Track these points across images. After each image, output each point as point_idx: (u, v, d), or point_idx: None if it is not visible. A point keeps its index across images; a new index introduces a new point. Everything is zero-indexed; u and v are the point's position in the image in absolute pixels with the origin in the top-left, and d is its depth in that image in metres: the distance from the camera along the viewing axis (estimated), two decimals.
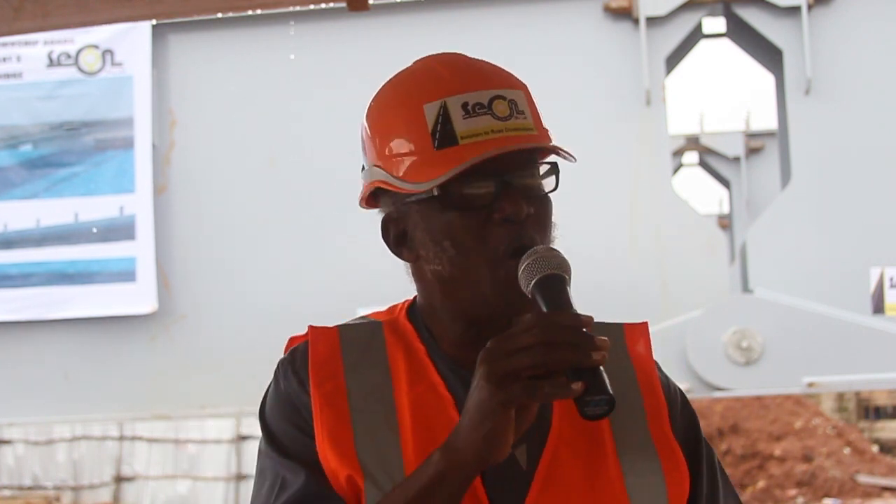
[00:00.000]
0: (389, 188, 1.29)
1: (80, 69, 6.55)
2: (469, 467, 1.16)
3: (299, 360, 1.33)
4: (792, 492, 12.96)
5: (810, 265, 6.23)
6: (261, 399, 1.36)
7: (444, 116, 1.25)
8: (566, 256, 1.26)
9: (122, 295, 6.46)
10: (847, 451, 14.15)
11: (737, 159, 13.53)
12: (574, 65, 6.47)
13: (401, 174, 1.27)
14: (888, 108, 6.28)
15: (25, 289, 6.53)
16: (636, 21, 6.35)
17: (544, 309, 1.18)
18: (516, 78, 1.33)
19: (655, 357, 1.50)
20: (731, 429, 14.25)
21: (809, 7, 6.27)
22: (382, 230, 1.33)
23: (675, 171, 13.80)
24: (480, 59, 1.34)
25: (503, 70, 1.33)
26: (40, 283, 6.52)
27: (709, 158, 14.00)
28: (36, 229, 6.54)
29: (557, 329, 1.12)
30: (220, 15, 6.32)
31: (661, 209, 6.36)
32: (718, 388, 6.23)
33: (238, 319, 6.39)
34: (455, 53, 1.35)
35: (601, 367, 1.11)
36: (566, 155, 1.31)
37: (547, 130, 1.34)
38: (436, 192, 1.24)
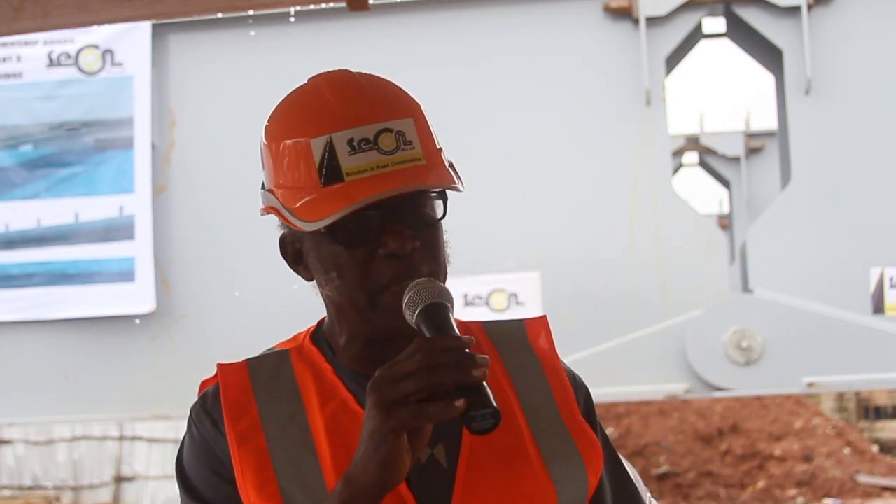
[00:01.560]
0: (280, 217, 1.32)
1: (80, 69, 6.54)
2: (370, 494, 1.18)
3: (210, 401, 1.35)
4: (792, 492, 12.96)
5: (810, 265, 6.23)
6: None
7: (330, 153, 1.26)
8: (446, 287, 1.28)
9: (121, 295, 6.46)
10: (847, 451, 14.15)
11: (737, 159, 13.53)
12: (574, 65, 6.47)
13: (291, 208, 1.29)
14: (888, 108, 6.28)
15: (26, 289, 6.53)
16: (636, 21, 6.35)
17: (428, 335, 1.21)
18: (408, 103, 1.33)
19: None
20: (731, 429, 14.25)
21: (809, 7, 6.27)
22: (280, 248, 1.37)
23: (675, 171, 13.80)
24: (374, 79, 1.35)
25: (396, 94, 1.33)
26: (41, 284, 6.52)
27: (709, 158, 14.00)
28: (36, 229, 6.54)
29: (439, 352, 1.15)
30: (220, 15, 6.31)
31: (661, 209, 6.36)
32: (718, 388, 6.23)
33: (238, 319, 6.40)
34: (347, 75, 1.36)
35: (484, 384, 1.15)
36: (453, 187, 1.30)
37: (439, 152, 1.33)
38: (322, 231, 1.27)
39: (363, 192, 1.24)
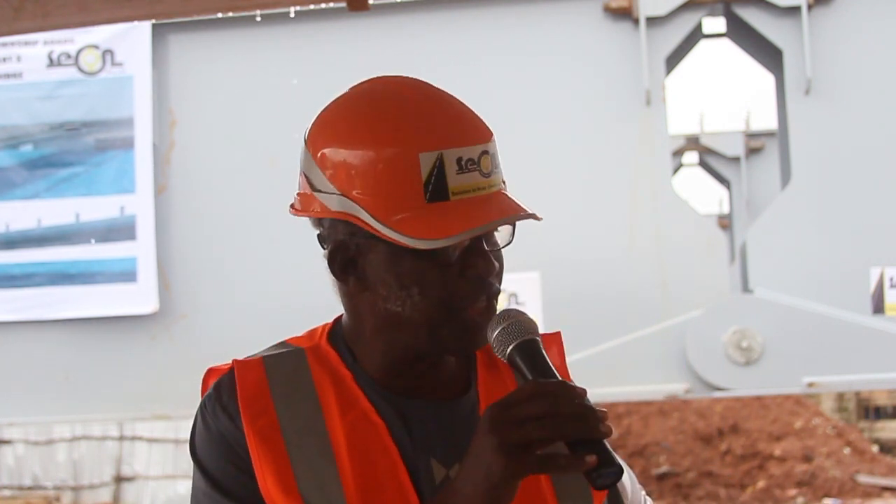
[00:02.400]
0: (364, 227, 1.26)
1: (80, 69, 6.55)
2: None
3: (226, 395, 1.32)
4: (792, 492, 12.96)
5: (810, 265, 6.23)
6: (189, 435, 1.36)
7: (439, 169, 1.23)
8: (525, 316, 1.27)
9: (123, 295, 6.46)
10: (847, 451, 14.15)
11: (737, 159, 13.53)
12: (574, 65, 6.47)
13: (388, 221, 1.24)
14: (888, 108, 6.28)
15: (27, 289, 6.53)
16: (636, 21, 6.35)
17: (528, 375, 1.20)
18: (487, 125, 1.32)
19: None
20: (731, 429, 14.25)
21: (809, 7, 6.27)
22: (331, 254, 1.31)
23: (675, 171, 13.80)
24: (451, 95, 1.32)
25: (478, 115, 1.32)
26: (41, 284, 6.52)
27: (709, 158, 14.01)
28: (37, 229, 6.54)
29: (564, 400, 1.13)
30: (220, 15, 6.32)
31: (661, 209, 6.36)
32: (718, 388, 6.23)
33: (238, 319, 6.40)
34: (424, 84, 1.32)
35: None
36: (537, 218, 1.30)
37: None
38: (409, 245, 1.23)
39: (475, 217, 1.23)
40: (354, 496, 1.25)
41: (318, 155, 1.30)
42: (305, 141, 1.33)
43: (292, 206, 1.36)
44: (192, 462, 1.34)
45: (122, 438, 12.82)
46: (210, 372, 1.38)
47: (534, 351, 1.22)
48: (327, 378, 1.33)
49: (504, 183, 1.31)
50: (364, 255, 1.29)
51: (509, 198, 1.28)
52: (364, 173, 1.26)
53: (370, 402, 1.31)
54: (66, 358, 6.61)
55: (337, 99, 1.34)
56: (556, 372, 1.20)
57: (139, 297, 6.45)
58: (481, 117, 1.31)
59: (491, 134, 1.29)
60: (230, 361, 1.36)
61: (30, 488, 12.76)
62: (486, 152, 1.26)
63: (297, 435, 1.28)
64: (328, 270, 1.32)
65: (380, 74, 1.37)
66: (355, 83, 1.35)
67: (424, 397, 1.33)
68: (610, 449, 1.13)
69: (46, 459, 12.84)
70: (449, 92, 1.33)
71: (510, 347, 1.22)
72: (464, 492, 1.16)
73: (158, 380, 6.48)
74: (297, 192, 1.35)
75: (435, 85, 1.33)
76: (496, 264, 1.29)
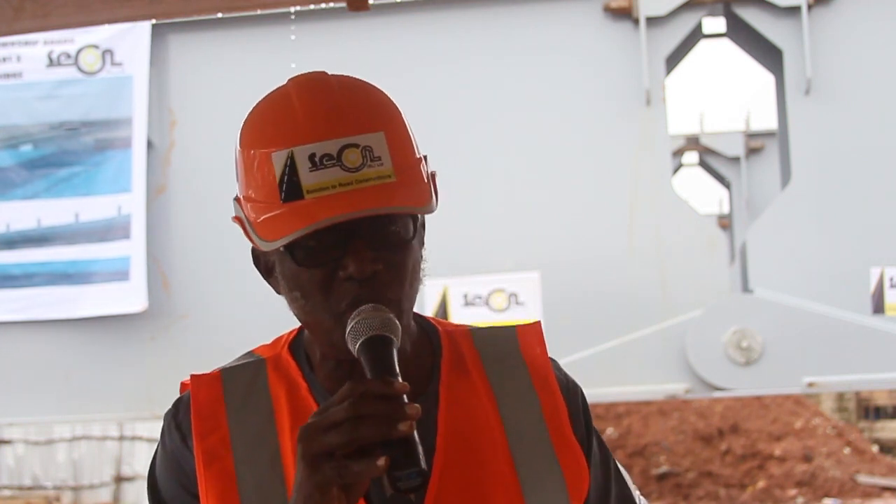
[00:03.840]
0: (245, 231, 1.29)
1: (79, 69, 6.54)
2: None
3: (182, 412, 1.31)
4: (792, 492, 12.96)
5: (810, 265, 6.23)
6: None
7: (290, 168, 1.21)
8: (392, 318, 1.21)
9: (116, 294, 6.46)
10: (847, 451, 14.15)
11: (737, 159, 13.53)
12: (574, 65, 6.47)
13: (253, 222, 1.25)
14: (888, 108, 6.28)
15: (26, 289, 6.53)
16: (636, 21, 6.35)
17: (368, 373, 1.15)
18: (382, 114, 1.25)
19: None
20: (731, 429, 14.25)
21: (809, 7, 6.27)
22: (253, 259, 1.34)
23: (675, 171, 13.80)
24: (348, 86, 1.28)
25: (369, 104, 1.26)
26: (41, 283, 6.52)
27: (709, 158, 14.00)
28: (37, 229, 6.54)
29: (368, 401, 1.09)
30: (220, 15, 6.31)
31: (661, 209, 6.36)
32: (718, 388, 6.23)
33: (238, 319, 6.39)
34: (319, 81, 1.29)
35: (413, 437, 1.08)
36: (415, 210, 1.23)
37: (417, 164, 1.26)
38: (282, 249, 1.23)
39: (321, 213, 1.17)
40: None
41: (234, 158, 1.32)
42: None
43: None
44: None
45: (122, 438, 12.82)
46: (182, 385, 1.38)
47: (378, 348, 1.16)
48: (283, 389, 1.31)
49: (407, 172, 1.23)
50: (273, 259, 1.30)
51: (390, 190, 1.20)
52: (242, 176, 1.29)
53: None
54: (66, 358, 6.61)
55: None
56: (396, 370, 1.15)
57: (131, 296, 6.45)
58: (374, 107, 1.25)
59: (373, 126, 1.22)
60: (199, 374, 1.35)
61: (30, 488, 12.76)
62: (351, 146, 1.20)
63: (247, 448, 1.26)
64: None
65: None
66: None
67: None
68: (416, 450, 1.08)
69: (46, 459, 12.85)
70: (355, 83, 1.29)
71: (357, 345, 1.18)
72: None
73: (159, 380, 6.48)
74: None
75: (346, 78, 1.30)
76: (370, 264, 1.21)
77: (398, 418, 1.07)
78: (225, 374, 1.33)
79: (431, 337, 1.37)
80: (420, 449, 1.08)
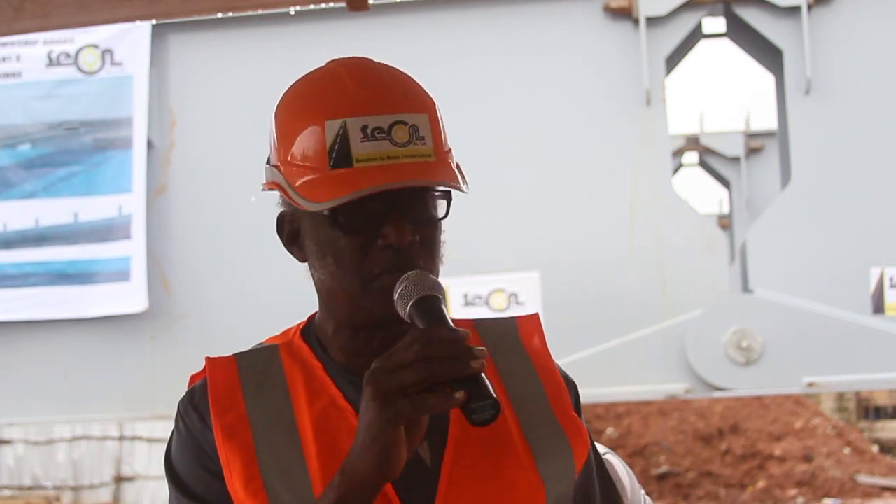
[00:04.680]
0: (283, 193, 1.32)
1: (79, 69, 6.54)
2: (367, 486, 1.19)
3: (198, 395, 1.35)
4: (792, 492, 12.96)
5: (810, 265, 6.23)
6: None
7: (342, 137, 1.26)
8: (440, 281, 1.29)
9: (117, 294, 6.46)
10: (847, 451, 14.15)
11: (737, 159, 13.53)
12: (574, 65, 6.47)
13: (296, 185, 1.29)
14: (888, 108, 6.28)
15: (25, 289, 6.53)
16: (636, 21, 6.35)
17: (423, 326, 1.22)
18: (424, 98, 1.34)
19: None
20: (731, 429, 14.25)
21: (809, 7, 6.27)
22: (277, 224, 1.37)
23: (675, 171, 13.80)
24: (392, 70, 1.36)
25: (412, 89, 1.34)
26: (40, 283, 6.51)
27: (709, 158, 14.00)
28: (35, 229, 6.54)
29: (436, 343, 1.15)
30: (220, 15, 6.31)
31: (661, 209, 6.36)
32: (718, 388, 6.23)
33: (238, 319, 6.39)
34: (366, 62, 1.36)
35: (482, 375, 1.15)
36: (458, 186, 1.30)
37: (448, 153, 1.34)
38: (323, 214, 1.28)
39: (370, 181, 1.24)
40: (320, 482, 1.26)
41: (270, 131, 1.37)
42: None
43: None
44: (165, 468, 1.35)
45: (122, 438, 12.82)
46: (191, 378, 1.41)
47: (429, 305, 1.23)
48: (298, 369, 1.36)
49: (443, 155, 1.31)
50: (300, 223, 1.34)
51: (437, 167, 1.29)
52: (286, 143, 1.32)
53: (338, 388, 1.33)
54: (66, 358, 6.61)
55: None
56: (449, 322, 1.22)
57: (132, 297, 6.45)
58: (421, 91, 1.34)
59: (421, 107, 1.31)
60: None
61: (30, 488, 12.76)
62: (401, 122, 1.27)
63: (265, 426, 1.30)
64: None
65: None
66: None
67: None
68: (487, 385, 1.14)
69: (46, 459, 12.85)
70: (398, 69, 1.37)
71: (409, 305, 1.24)
72: (356, 446, 1.18)
73: (158, 380, 6.48)
74: None
75: (388, 64, 1.37)
76: (409, 234, 1.28)
77: (469, 357, 1.14)
78: (239, 358, 1.38)
79: None
80: (489, 383, 1.15)
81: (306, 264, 1.37)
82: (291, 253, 1.37)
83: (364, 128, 1.26)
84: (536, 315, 1.46)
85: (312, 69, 1.39)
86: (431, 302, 1.23)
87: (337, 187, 1.25)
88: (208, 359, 1.38)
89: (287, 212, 1.35)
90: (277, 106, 1.37)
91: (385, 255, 1.28)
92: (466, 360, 1.14)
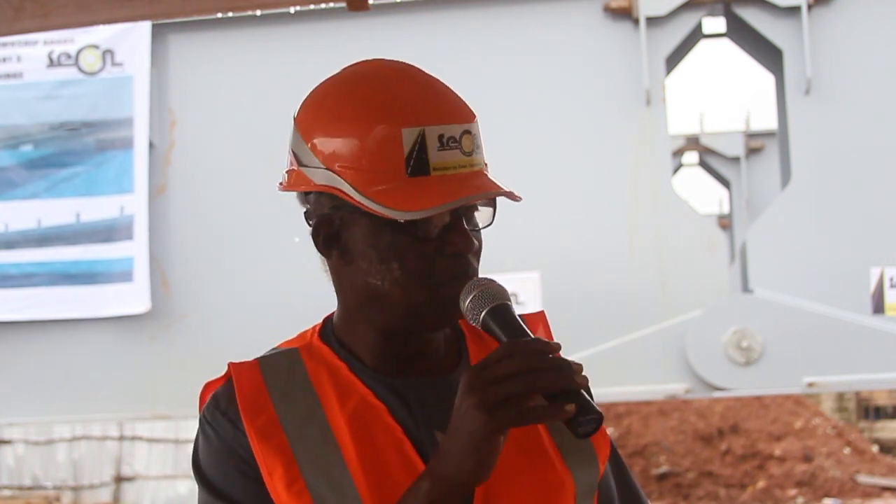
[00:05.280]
0: (346, 199, 1.29)
1: (80, 69, 6.55)
2: (461, 492, 1.20)
3: (224, 402, 1.33)
4: (792, 492, 12.96)
5: (810, 265, 6.23)
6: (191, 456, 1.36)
7: (420, 145, 1.26)
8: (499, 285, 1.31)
9: (119, 295, 6.46)
10: (847, 451, 14.15)
11: (737, 159, 13.53)
12: (574, 65, 6.47)
13: (368, 192, 1.27)
14: (888, 108, 6.28)
15: (28, 289, 6.53)
16: (636, 21, 6.35)
17: (502, 337, 1.24)
18: (470, 108, 1.36)
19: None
20: (731, 429, 14.25)
21: (809, 7, 6.27)
22: (315, 227, 1.34)
23: (675, 171, 13.80)
24: (437, 78, 1.36)
25: (463, 99, 1.35)
26: (42, 284, 6.52)
27: (709, 158, 14.01)
28: (37, 229, 6.54)
29: (539, 356, 1.17)
30: (220, 15, 6.32)
31: (661, 209, 6.36)
32: (718, 388, 6.23)
33: (238, 319, 6.40)
34: (409, 66, 1.36)
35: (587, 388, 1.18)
36: (517, 198, 1.35)
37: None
38: (388, 220, 1.27)
39: (454, 192, 1.26)
40: (362, 478, 1.26)
41: (306, 131, 1.34)
42: (294, 119, 1.37)
43: (280, 183, 1.39)
44: (196, 482, 1.33)
45: (122, 438, 12.82)
46: (207, 386, 1.40)
47: (505, 314, 1.26)
48: (322, 371, 1.35)
49: (486, 165, 1.36)
50: (347, 228, 1.32)
51: (489, 178, 1.32)
52: (348, 147, 1.29)
53: (367, 387, 1.33)
54: (66, 358, 6.61)
55: (326, 79, 1.39)
56: (528, 332, 1.24)
57: (134, 297, 6.45)
58: (463, 99, 1.35)
59: (473, 116, 1.33)
60: (222, 375, 1.38)
61: (30, 488, 12.76)
62: (467, 132, 1.30)
63: (298, 428, 1.30)
64: (314, 245, 1.35)
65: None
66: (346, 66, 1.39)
67: (419, 376, 1.36)
68: (589, 398, 1.17)
69: (46, 459, 12.85)
70: (432, 74, 1.36)
71: (483, 313, 1.26)
72: (451, 453, 1.18)
73: (158, 380, 6.48)
74: (286, 169, 1.39)
75: (419, 68, 1.36)
76: (475, 242, 1.33)
77: (571, 370, 1.17)
78: (262, 362, 1.37)
79: None
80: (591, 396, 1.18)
81: (325, 265, 1.36)
82: (326, 255, 1.35)
83: (441, 136, 1.27)
84: (542, 312, 1.49)
85: (340, 71, 1.38)
86: (507, 311, 1.26)
87: (421, 197, 1.25)
88: (232, 364, 1.36)
89: (332, 215, 1.32)
90: (313, 106, 1.36)
91: (453, 263, 1.30)
92: (570, 374, 1.16)
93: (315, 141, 1.32)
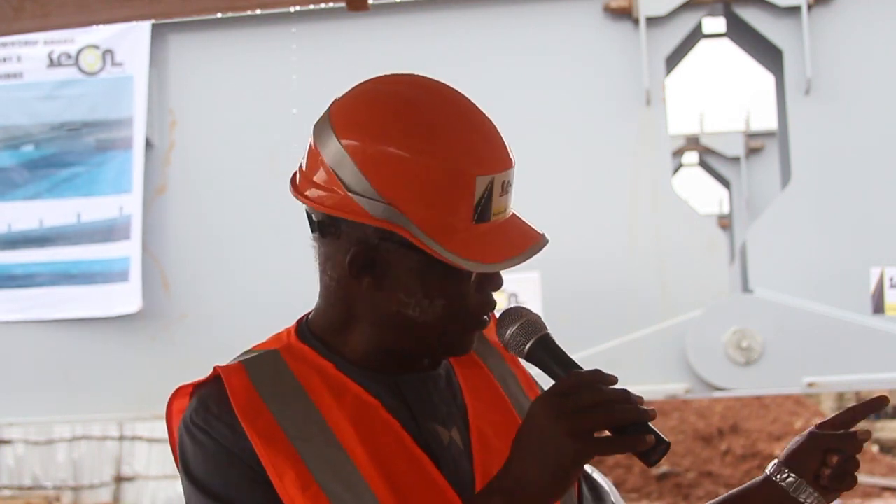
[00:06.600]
0: (412, 240, 1.25)
1: (80, 69, 6.55)
2: None
3: (215, 406, 1.29)
4: None
5: (810, 265, 6.23)
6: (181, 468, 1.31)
7: (489, 193, 1.27)
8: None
9: (115, 295, 6.47)
10: None
11: (737, 159, 13.53)
12: (574, 65, 6.47)
13: (436, 237, 1.25)
14: (888, 108, 6.28)
15: (29, 289, 6.53)
16: (636, 21, 6.35)
17: (557, 369, 1.29)
18: None
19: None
20: (731, 429, 14.25)
21: (809, 7, 6.27)
22: (353, 255, 1.29)
23: (675, 171, 13.80)
24: (482, 112, 1.37)
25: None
26: (43, 284, 6.52)
27: (709, 158, 14.01)
28: (39, 229, 6.54)
29: (612, 389, 1.21)
30: (220, 15, 6.32)
31: (661, 209, 6.36)
32: (718, 388, 6.23)
33: (238, 319, 6.39)
34: (472, 106, 1.37)
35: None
36: (544, 243, 1.35)
37: None
38: (442, 259, 1.26)
39: (516, 241, 1.29)
40: (373, 474, 1.25)
41: (356, 152, 1.26)
42: (335, 132, 1.28)
43: (309, 198, 1.32)
44: (189, 487, 1.29)
45: (122, 438, 12.82)
46: (180, 389, 1.36)
47: (553, 345, 1.31)
48: (309, 371, 1.33)
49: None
50: (391, 259, 1.28)
51: (520, 219, 1.34)
52: (416, 185, 1.25)
53: (358, 384, 1.32)
54: (66, 358, 6.61)
55: (369, 92, 1.32)
56: (576, 362, 1.29)
57: (129, 297, 6.45)
58: None
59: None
60: (194, 381, 1.34)
61: (30, 488, 12.76)
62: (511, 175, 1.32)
63: (297, 429, 1.27)
64: (343, 266, 1.30)
65: (374, 74, 1.36)
66: (379, 75, 1.35)
67: (406, 372, 1.36)
68: (655, 429, 1.21)
69: (46, 459, 12.85)
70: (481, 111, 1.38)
71: (528, 344, 1.30)
72: (530, 476, 1.19)
73: (158, 380, 6.47)
74: (313, 179, 1.31)
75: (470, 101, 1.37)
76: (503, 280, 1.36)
77: (639, 403, 1.20)
78: (247, 365, 1.34)
79: None
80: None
81: (320, 270, 1.35)
82: (358, 279, 1.30)
83: (504, 183, 1.29)
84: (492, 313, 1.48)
85: (384, 82, 1.32)
86: (552, 342, 1.31)
87: (490, 247, 1.27)
88: (219, 367, 1.32)
89: (373, 244, 1.28)
90: (367, 128, 1.27)
91: (485, 299, 1.33)
92: (642, 407, 1.19)
93: (370, 166, 1.25)
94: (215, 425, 1.28)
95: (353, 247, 1.29)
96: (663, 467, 13.64)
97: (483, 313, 1.34)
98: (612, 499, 1.58)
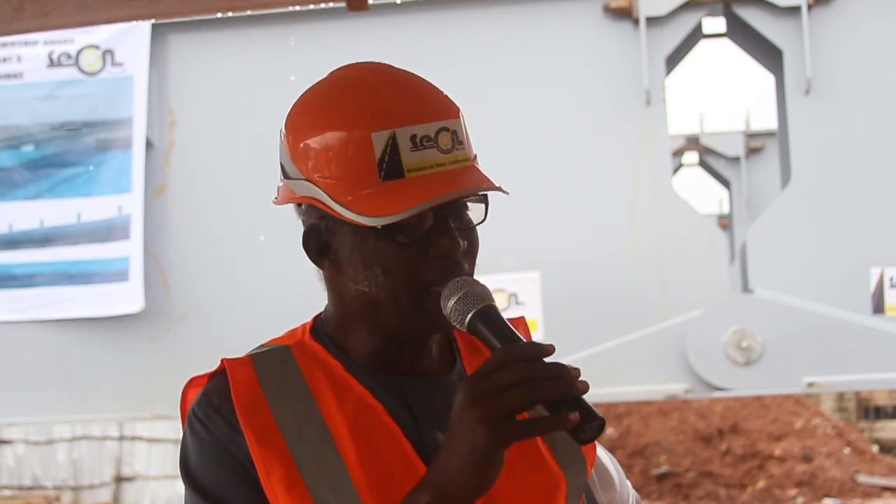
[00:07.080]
0: (325, 209, 1.28)
1: (80, 69, 6.55)
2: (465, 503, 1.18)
3: (217, 399, 1.30)
4: (792, 492, 12.96)
5: (810, 265, 6.23)
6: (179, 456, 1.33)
7: (392, 147, 1.25)
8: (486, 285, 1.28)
9: (115, 294, 6.47)
10: (847, 451, 14.16)
11: (737, 159, 13.54)
12: (574, 65, 6.47)
13: (343, 200, 1.26)
14: (888, 108, 6.28)
15: (29, 289, 6.53)
16: (636, 21, 6.35)
17: (494, 342, 1.20)
18: (454, 102, 1.33)
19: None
20: (731, 429, 14.26)
21: (809, 7, 6.27)
22: (305, 238, 1.33)
23: (675, 171, 13.81)
24: (415, 75, 1.34)
25: (444, 94, 1.33)
26: (44, 283, 6.52)
27: (709, 158, 14.01)
28: (39, 229, 6.54)
29: (538, 364, 1.13)
30: (220, 15, 6.32)
31: (661, 209, 6.36)
32: (718, 388, 6.23)
33: (238, 319, 6.40)
34: (389, 68, 1.34)
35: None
36: (504, 191, 1.31)
37: (476, 156, 1.34)
38: (370, 227, 1.25)
39: (429, 192, 1.23)
40: (362, 479, 1.24)
41: (288, 143, 1.33)
42: (282, 130, 1.36)
43: (275, 197, 1.39)
44: (184, 479, 1.30)
45: (122, 438, 12.82)
46: (191, 382, 1.37)
47: (494, 317, 1.22)
48: (317, 370, 1.33)
49: (474, 158, 1.32)
50: (334, 237, 1.31)
51: (477, 172, 1.29)
52: (323, 157, 1.28)
53: (364, 386, 1.31)
54: (66, 358, 6.61)
55: (308, 88, 1.37)
56: (519, 335, 1.21)
57: (128, 297, 6.45)
58: (446, 95, 1.33)
59: (455, 111, 1.30)
60: (209, 371, 1.35)
61: (30, 488, 12.77)
62: (444, 129, 1.27)
63: (294, 428, 1.27)
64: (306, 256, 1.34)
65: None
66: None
67: (416, 376, 1.34)
68: (589, 404, 1.13)
69: (46, 459, 12.85)
70: (416, 73, 1.35)
71: (469, 316, 1.23)
72: (452, 466, 1.15)
73: (159, 380, 6.48)
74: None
75: (404, 69, 1.35)
76: (462, 242, 1.29)
77: (571, 377, 1.12)
78: (255, 359, 1.34)
79: None
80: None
81: (320, 272, 1.35)
82: (319, 265, 1.34)
83: (413, 137, 1.25)
84: (523, 317, 1.46)
85: (324, 77, 1.37)
86: (495, 313, 1.23)
87: (395, 200, 1.23)
88: (226, 360, 1.33)
89: (318, 225, 1.32)
90: (294, 117, 1.34)
91: (438, 265, 1.27)
92: (572, 381, 1.12)
93: (295, 152, 1.32)
94: (214, 419, 1.29)
95: (304, 231, 1.33)
96: (663, 467, 13.64)
97: (433, 280, 1.27)
98: (617, 479, 1.58)
